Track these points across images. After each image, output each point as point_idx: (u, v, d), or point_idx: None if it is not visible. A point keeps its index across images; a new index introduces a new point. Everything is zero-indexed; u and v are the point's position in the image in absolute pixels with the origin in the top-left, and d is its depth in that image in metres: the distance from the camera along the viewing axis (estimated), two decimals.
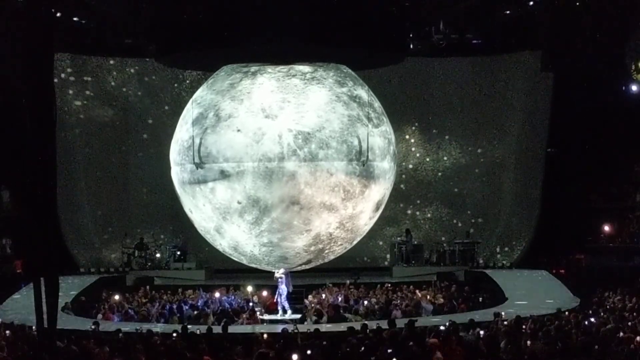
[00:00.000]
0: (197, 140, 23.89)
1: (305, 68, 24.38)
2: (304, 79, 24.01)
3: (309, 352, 13.60)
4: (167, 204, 29.72)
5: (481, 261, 29.99)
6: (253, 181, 22.92)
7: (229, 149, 23.22)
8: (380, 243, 30.87)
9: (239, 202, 23.28)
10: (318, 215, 23.63)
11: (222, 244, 24.96)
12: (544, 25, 28.08)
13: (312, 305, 24.64)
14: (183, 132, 24.12)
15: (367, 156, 23.67)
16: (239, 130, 23.24)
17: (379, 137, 25.00)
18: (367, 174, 24.07)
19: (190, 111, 24.38)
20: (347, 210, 24.09)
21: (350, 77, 25.49)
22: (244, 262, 25.70)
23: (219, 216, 23.83)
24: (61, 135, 28.79)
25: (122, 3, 25.76)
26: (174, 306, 24.46)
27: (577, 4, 26.03)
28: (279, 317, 23.64)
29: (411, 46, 27.56)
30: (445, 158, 30.81)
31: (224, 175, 23.23)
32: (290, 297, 24.27)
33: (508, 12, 26.74)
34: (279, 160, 22.98)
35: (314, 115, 23.35)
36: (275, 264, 24.52)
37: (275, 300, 24.25)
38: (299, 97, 23.53)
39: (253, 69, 24.29)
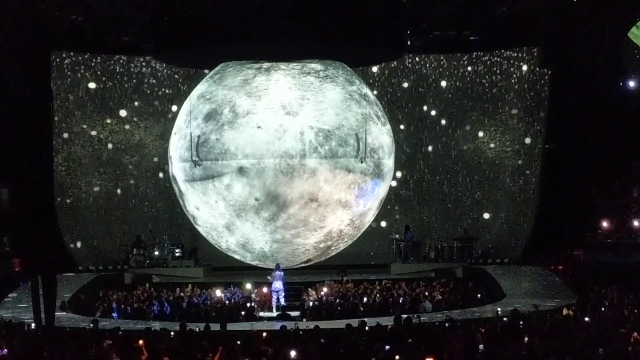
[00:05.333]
0: (195, 138, 23.96)
1: (317, 66, 24.57)
2: (318, 77, 24.29)
3: (307, 349, 13.61)
4: (167, 202, 29.73)
5: (480, 253, 29.93)
6: (274, 177, 23.05)
7: (249, 146, 23.35)
8: (380, 239, 30.82)
9: (256, 199, 23.39)
10: (333, 212, 23.91)
11: (229, 241, 24.98)
12: (542, 21, 28.08)
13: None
14: (193, 128, 24.09)
15: (366, 153, 23.87)
16: (259, 127, 23.34)
17: (387, 135, 25.24)
18: (378, 172, 24.39)
19: (197, 107, 24.38)
20: (359, 208, 24.38)
21: (355, 75, 25.76)
22: (247, 259, 25.74)
23: (232, 213, 23.87)
24: (59, 133, 28.82)
25: (119, 1, 25.77)
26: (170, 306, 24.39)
27: (575, 0, 26.04)
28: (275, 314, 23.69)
29: (408, 42, 27.60)
30: (442, 154, 30.76)
31: (242, 171, 23.31)
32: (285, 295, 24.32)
33: (505, 8, 26.74)
34: (300, 157, 23.15)
35: (333, 112, 23.62)
36: (281, 260, 24.64)
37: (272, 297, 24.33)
38: (317, 94, 23.76)
39: (265, 65, 24.40)
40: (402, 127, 30.24)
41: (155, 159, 30.07)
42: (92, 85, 29.49)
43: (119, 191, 30.26)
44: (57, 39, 25.83)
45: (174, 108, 29.13)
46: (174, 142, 25.25)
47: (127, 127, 30.15)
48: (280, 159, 23.31)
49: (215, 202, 24.03)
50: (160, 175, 29.76)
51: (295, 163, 23.37)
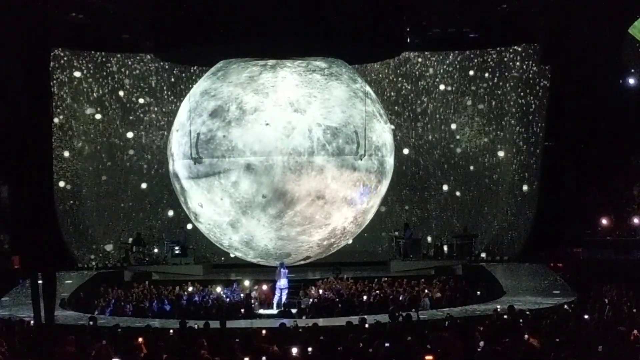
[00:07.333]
0: (194, 135, 23.94)
1: (321, 63, 24.67)
2: (323, 75, 24.40)
3: (307, 346, 13.62)
4: (165, 199, 29.76)
5: (482, 255, 29.85)
6: (282, 175, 23.15)
7: (257, 143, 23.38)
8: (379, 237, 30.83)
9: (264, 196, 23.44)
10: (338, 210, 24.02)
11: (232, 239, 24.99)
12: (542, 19, 28.06)
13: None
14: (197, 125, 24.07)
15: (365, 150, 23.96)
16: (267, 124, 23.40)
17: (388, 133, 25.35)
18: (381, 169, 24.53)
19: (201, 104, 24.37)
20: (362, 205, 24.52)
21: (356, 73, 25.87)
22: (249, 257, 25.78)
23: (238, 210, 23.90)
24: (58, 132, 28.81)
25: None
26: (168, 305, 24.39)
27: None
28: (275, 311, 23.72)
29: (408, 40, 27.63)
30: (443, 152, 30.77)
31: (249, 168, 23.38)
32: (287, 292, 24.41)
33: (505, 5, 26.74)
34: (308, 154, 23.24)
35: (339, 110, 23.74)
36: (283, 258, 24.72)
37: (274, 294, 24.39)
38: (324, 92, 23.87)
39: (271, 62, 24.45)
40: (398, 123, 30.29)
41: (131, 152, 30.04)
42: (77, 74, 29.42)
43: (119, 187, 30.29)
44: (56, 37, 25.82)
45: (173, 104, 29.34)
46: (175, 139, 25.19)
47: (120, 123, 30.13)
48: (289, 156, 23.38)
49: (220, 199, 24.03)
50: (171, 213, 29.99)
51: (304, 160, 23.45)
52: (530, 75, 29.84)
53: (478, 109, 30.40)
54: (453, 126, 30.62)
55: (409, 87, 30.66)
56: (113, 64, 29.86)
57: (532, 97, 29.92)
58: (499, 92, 30.23)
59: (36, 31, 18.96)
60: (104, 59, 29.79)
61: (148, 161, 30.34)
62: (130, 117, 30.23)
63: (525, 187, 30.04)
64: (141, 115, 30.28)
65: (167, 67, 30.08)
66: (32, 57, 18.95)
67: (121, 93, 30.05)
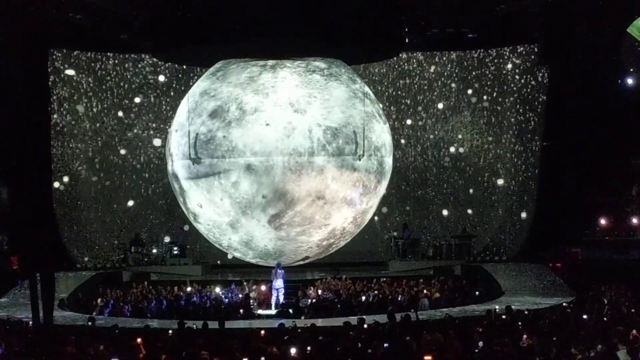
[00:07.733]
0: (193, 135, 23.96)
1: (321, 64, 24.71)
2: (323, 75, 24.42)
3: (306, 346, 13.62)
4: (164, 200, 29.74)
5: (480, 253, 29.87)
6: (282, 175, 23.19)
7: (258, 143, 23.41)
8: (378, 237, 30.82)
9: (264, 197, 23.46)
10: (338, 210, 24.05)
11: (232, 239, 25.00)
12: (541, 19, 28.07)
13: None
14: (197, 125, 24.06)
15: (364, 150, 23.99)
16: (267, 124, 23.43)
17: (387, 133, 25.38)
18: (380, 170, 24.56)
19: (201, 104, 24.39)
20: (362, 205, 24.56)
21: (355, 73, 25.90)
22: (248, 257, 25.81)
23: (238, 210, 23.92)
24: (57, 132, 28.79)
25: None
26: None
27: None
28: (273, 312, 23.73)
29: (406, 40, 27.64)
30: (441, 152, 30.77)
31: (249, 169, 23.41)
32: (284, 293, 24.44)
33: (504, 6, 26.74)
34: (309, 154, 23.28)
35: (339, 110, 23.78)
36: (281, 257, 24.76)
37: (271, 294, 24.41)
38: (323, 92, 23.91)
39: (270, 62, 24.48)
40: (397, 124, 30.28)
41: (123, 151, 29.95)
42: (70, 72, 29.24)
43: (118, 188, 30.27)
44: (54, 37, 25.81)
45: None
46: (175, 139, 25.19)
47: (117, 122, 30.10)
48: (289, 156, 23.41)
49: (220, 199, 24.04)
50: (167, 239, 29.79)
51: (304, 161, 23.47)
52: (529, 75, 29.80)
53: (476, 108, 30.34)
54: (451, 125, 30.57)
55: (407, 87, 30.59)
56: (112, 77, 29.73)
57: (530, 97, 29.88)
58: (498, 91, 30.19)
59: (36, 31, 18.99)
60: (102, 72, 29.65)
61: (142, 178, 30.25)
62: (130, 116, 30.17)
63: (523, 215, 29.94)
64: (135, 112, 30.21)
65: (165, 80, 30.02)
66: (31, 57, 18.99)
67: (118, 92, 29.98)
